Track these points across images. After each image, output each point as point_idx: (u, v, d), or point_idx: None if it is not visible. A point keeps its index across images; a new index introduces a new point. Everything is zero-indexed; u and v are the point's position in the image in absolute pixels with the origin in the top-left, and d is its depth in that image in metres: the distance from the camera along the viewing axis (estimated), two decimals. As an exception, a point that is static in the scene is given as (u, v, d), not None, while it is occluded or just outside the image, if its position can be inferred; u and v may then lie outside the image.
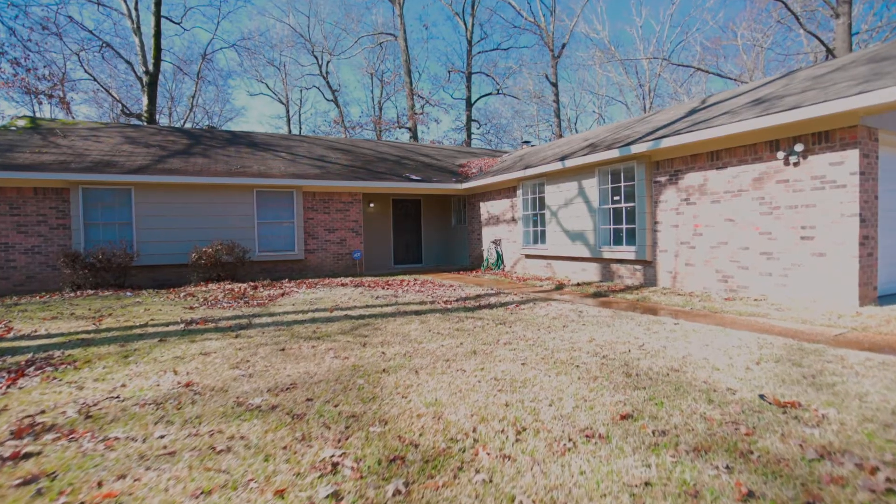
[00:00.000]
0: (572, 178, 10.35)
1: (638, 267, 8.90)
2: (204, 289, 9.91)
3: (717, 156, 7.33)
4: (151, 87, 25.11)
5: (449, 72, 36.96)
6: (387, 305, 7.33)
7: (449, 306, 7.13)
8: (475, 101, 37.15)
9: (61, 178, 9.98)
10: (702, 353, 4.13)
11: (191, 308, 7.45)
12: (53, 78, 18.18)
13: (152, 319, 6.40)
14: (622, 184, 9.18)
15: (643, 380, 3.48)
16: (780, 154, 6.36)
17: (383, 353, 4.42)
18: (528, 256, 12.19)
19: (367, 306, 7.28)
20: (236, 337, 5.22)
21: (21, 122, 13.33)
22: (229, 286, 10.20)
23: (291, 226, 12.34)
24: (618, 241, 9.43)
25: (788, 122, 5.96)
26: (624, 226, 9.23)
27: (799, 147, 6.13)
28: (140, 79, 26.92)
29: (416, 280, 11.10)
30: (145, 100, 25.18)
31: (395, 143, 20.35)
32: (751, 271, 6.91)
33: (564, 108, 44.18)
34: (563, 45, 36.69)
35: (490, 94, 38.71)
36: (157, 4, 24.47)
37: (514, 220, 12.68)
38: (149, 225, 10.89)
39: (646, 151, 8.25)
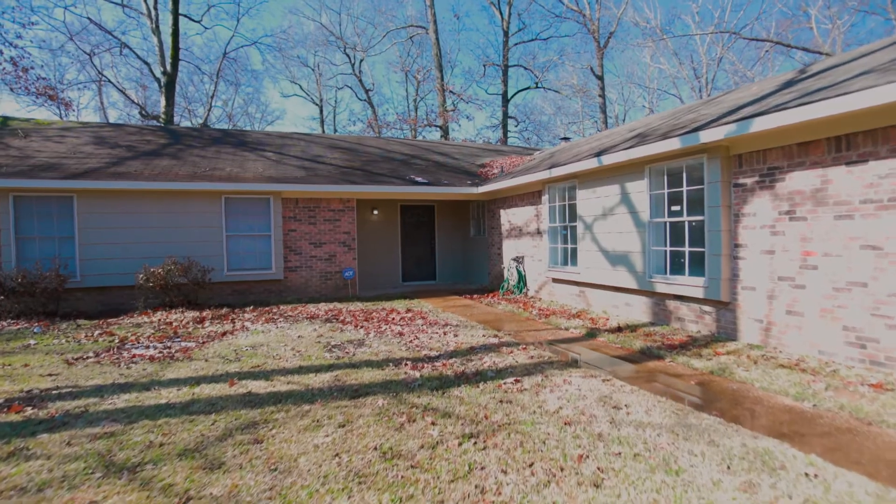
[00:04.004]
0: (613, 179, 7.69)
1: (708, 309, 6.16)
2: (140, 320, 7.99)
3: (846, 143, 4.55)
4: (169, 88, 24.17)
5: (484, 65, 34.45)
6: (328, 369, 5.02)
7: (417, 374, 4.74)
8: (512, 97, 34.44)
9: (-13, 184, 8.37)
10: None
11: (71, 361, 5.46)
12: (44, 77, 17.21)
13: (-25, 391, 4.40)
14: (684, 188, 6.47)
15: None
16: None
17: (178, 554, 2.10)
18: (555, 280, 9.58)
19: (299, 370, 5.00)
20: (7, 458, 3.06)
21: (-10, 123, 12.07)
22: (175, 316, 8.26)
23: (268, 239, 10.31)
24: (677, 270, 6.71)
25: None
26: (686, 248, 6.51)
27: None
28: (158, 80, 26.11)
29: (408, 311, 8.75)
30: (163, 101, 24.30)
31: (407, 141, 18.12)
32: (913, 335, 4.10)
33: (611, 103, 40.61)
34: (610, 35, 33.36)
35: (528, 88, 35.90)
36: (175, 2, 23.46)
37: (538, 232, 10.10)
38: (95, 239, 9.14)
39: (722, 140, 5.54)
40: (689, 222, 6.43)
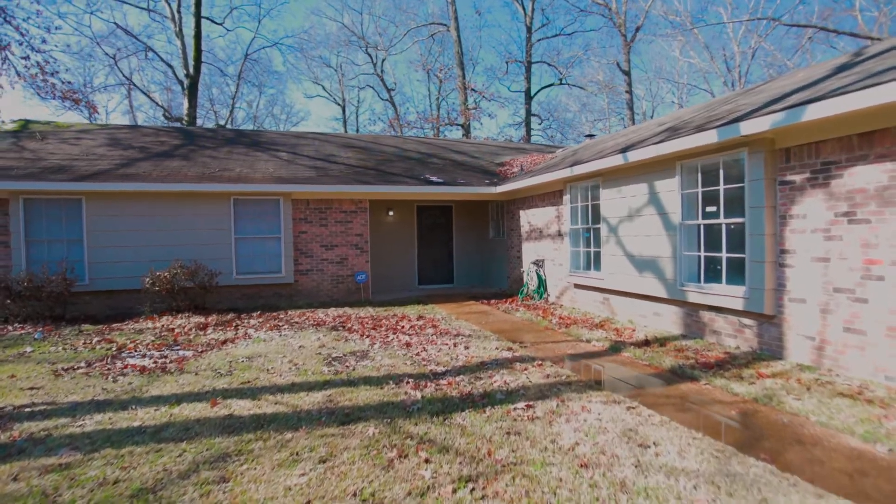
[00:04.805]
0: (640, 178, 7.06)
1: (748, 322, 5.49)
2: (143, 326, 7.77)
3: (921, 133, 3.86)
4: (192, 91, 24.40)
5: (506, 62, 33.69)
6: (323, 387, 4.60)
7: (418, 395, 4.27)
8: (535, 94, 33.64)
9: (-2, 186, 8.30)
10: None
11: (60, 372, 5.19)
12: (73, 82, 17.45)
13: (-52, 407, 4.14)
14: (721, 186, 5.81)
15: None
16: None
17: None
18: (577, 286, 8.97)
19: (291, 387, 4.60)
20: (-53, 493, 2.73)
21: (11, 126, 12.19)
22: (180, 322, 8.02)
23: (278, 241, 10.02)
24: (713, 278, 6.05)
25: None
26: (723, 254, 5.85)
27: None
28: (181, 82, 26.42)
29: (420, 318, 8.29)
30: (186, 103, 24.55)
31: (424, 140, 17.69)
32: None
33: (639, 99, 39.34)
34: (637, 29, 32.23)
35: (552, 84, 35.02)
36: (197, 5, 23.64)
37: (559, 234, 9.50)
38: (103, 242, 9.00)
39: (767, 131, 4.88)
40: (727, 225, 5.76)
